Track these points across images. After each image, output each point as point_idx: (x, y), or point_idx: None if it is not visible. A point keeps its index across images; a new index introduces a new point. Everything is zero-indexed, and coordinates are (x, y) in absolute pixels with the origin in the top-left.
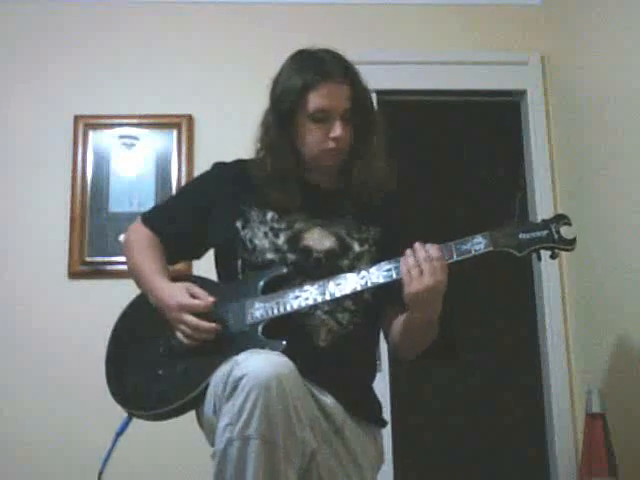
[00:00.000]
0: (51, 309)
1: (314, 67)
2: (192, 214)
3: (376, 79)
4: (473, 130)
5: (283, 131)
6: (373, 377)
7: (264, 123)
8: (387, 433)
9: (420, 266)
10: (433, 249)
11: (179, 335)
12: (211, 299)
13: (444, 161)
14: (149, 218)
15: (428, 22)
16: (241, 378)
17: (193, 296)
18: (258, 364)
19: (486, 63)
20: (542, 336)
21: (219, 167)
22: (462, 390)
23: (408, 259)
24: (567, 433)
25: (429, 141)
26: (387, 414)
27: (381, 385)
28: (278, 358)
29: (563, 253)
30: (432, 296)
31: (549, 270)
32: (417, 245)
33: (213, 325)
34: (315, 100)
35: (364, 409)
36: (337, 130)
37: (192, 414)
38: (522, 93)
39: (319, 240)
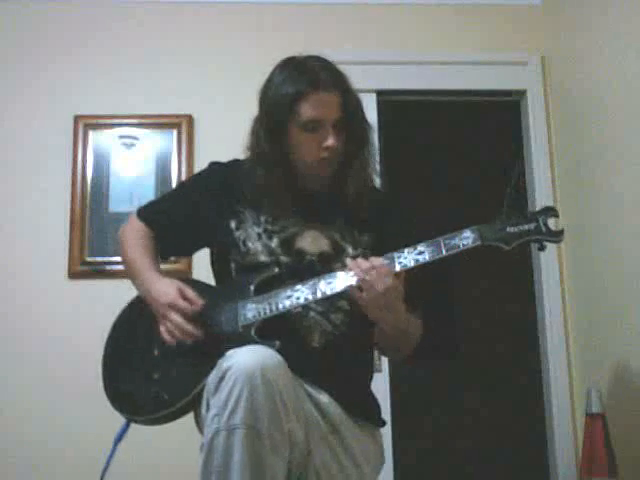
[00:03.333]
0: (51, 309)
1: (304, 77)
2: (186, 211)
3: (376, 79)
4: (473, 130)
5: (274, 143)
6: (370, 377)
7: (254, 133)
8: (387, 433)
9: (366, 276)
10: (376, 259)
11: (162, 329)
12: (200, 303)
13: (444, 161)
14: (144, 212)
15: (428, 22)
16: (228, 369)
17: (184, 297)
18: (244, 356)
19: (486, 63)
20: (542, 336)
21: (215, 167)
22: (462, 390)
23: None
24: (567, 433)
25: (429, 141)
26: (387, 414)
27: (381, 385)
28: (265, 350)
29: (564, 253)
30: (385, 302)
31: (549, 269)
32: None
33: (195, 331)
34: (307, 111)
35: (361, 408)
36: (330, 140)
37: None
38: (522, 93)
39: (313, 243)
